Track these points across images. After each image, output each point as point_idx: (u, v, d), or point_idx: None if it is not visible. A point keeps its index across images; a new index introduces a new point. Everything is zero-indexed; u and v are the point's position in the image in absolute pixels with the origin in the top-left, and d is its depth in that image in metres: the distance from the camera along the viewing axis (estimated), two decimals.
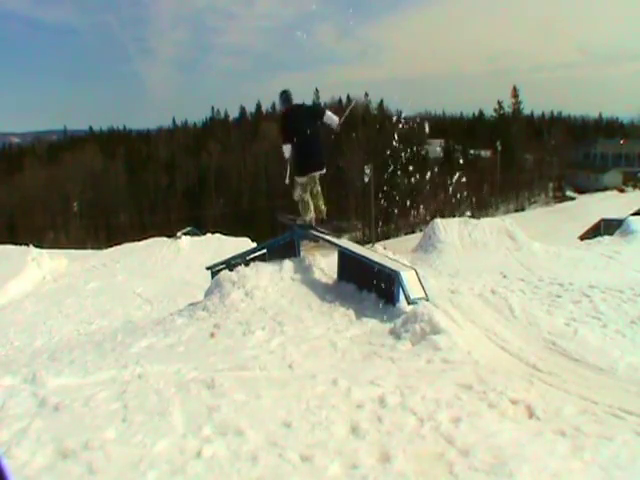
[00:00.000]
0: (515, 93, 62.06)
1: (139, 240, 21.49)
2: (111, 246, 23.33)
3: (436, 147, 61.68)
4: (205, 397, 2.78)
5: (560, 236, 22.37)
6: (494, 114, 63.70)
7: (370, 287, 4.93)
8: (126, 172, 57.00)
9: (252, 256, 6.31)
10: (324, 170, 5.74)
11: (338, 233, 6.28)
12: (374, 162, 30.46)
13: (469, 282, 6.54)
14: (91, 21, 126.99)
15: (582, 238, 18.01)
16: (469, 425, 2.41)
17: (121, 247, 20.95)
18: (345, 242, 6.03)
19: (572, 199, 50.59)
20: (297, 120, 5.58)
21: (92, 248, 31.53)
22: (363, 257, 5.19)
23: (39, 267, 15.90)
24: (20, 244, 20.20)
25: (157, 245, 19.39)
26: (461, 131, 63.52)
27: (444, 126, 65.26)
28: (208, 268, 6.81)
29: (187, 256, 17.44)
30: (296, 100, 5.81)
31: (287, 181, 5.74)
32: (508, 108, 62.37)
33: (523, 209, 52.82)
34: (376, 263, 4.97)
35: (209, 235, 21.41)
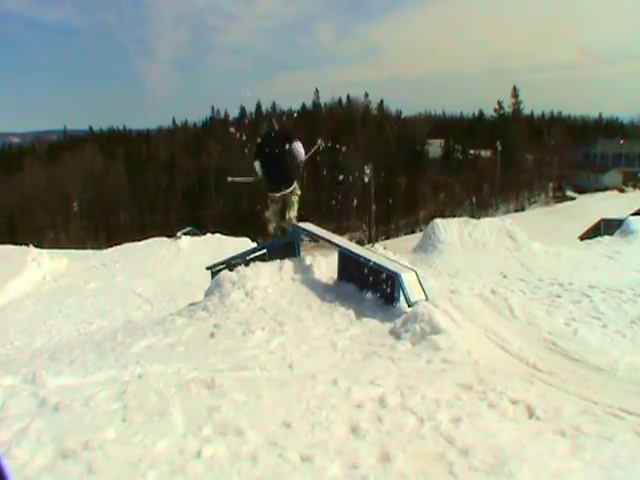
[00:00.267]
0: (515, 93, 62.16)
1: (139, 240, 21.45)
2: (111, 246, 23.29)
3: (436, 147, 61.76)
4: (205, 397, 2.78)
5: (560, 236, 22.36)
6: (494, 114, 63.75)
7: (370, 287, 4.93)
8: (126, 172, 56.96)
9: (252, 256, 6.31)
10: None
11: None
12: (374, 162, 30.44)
13: (469, 282, 6.55)
14: (91, 21, 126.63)
15: (582, 238, 18.03)
16: (469, 425, 2.41)
17: (121, 247, 20.92)
18: (345, 242, 6.04)
19: (572, 199, 50.55)
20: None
21: (92, 248, 31.52)
22: (363, 257, 5.18)
23: (39, 267, 15.89)
24: (20, 244, 20.17)
25: (157, 245, 19.38)
26: (461, 131, 63.50)
27: (444, 126, 65.31)
28: (208, 268, 6.81)
29: (187, 256, 17.41)
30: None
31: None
32: (508, 108, 62.50)
33: (523, 209, 52.81)
34: (376, 264, 4.96)
35: (209, 235, 21.38)
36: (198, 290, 8.11)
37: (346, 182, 47.42)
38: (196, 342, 4.16)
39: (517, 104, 62.21)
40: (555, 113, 69.23)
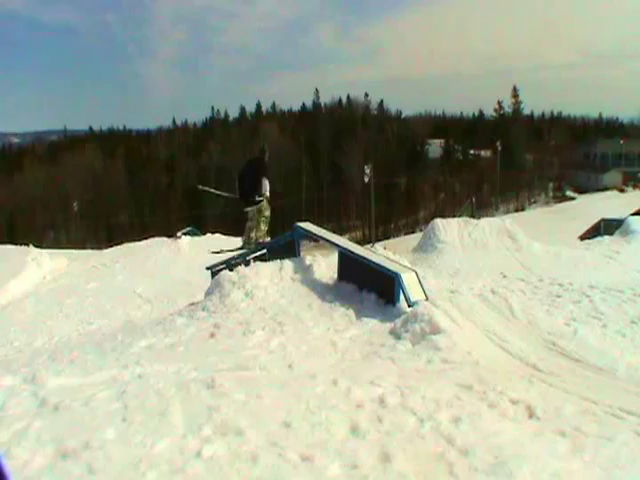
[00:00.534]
0: (515, 93, 62.10)
1: (139, 240, 21.47)
2: (111, 246, 23.31)
3: (436, 147, 61.74)
4: (205, 397, 2.78)
5: (560, 236, 22.31)
6: (494, 114, 63.73)
7: (370, 287, 4.93)
8: (126, 172, 56.95)
9: (252, 256, 6.32)
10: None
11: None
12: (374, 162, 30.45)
13: (469, 282, 6.55)
14: (91, 21, 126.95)
15: (582, 238, 18.00)
16: (469, 425, 2.41)
17: (121, 247, 20.92)
18: (345, 242, 6.04)
19: (572, 199, 50.47)
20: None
21: (92, 248, 31.48)
22: (363, 257, 5.19)
23: (39, 267, 15.89)
24: (20, 244, 20.20)
25: (157, 245, 19.37)
26: (461, 131, 63.48)
27: (444, 126, 65.28)
28: (208, 268, 6.81)
29: (187, 256, 17.41)
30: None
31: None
32: (508, 108, 62.45)
33: (523, 209, 52.75)
34: (376, 264, 4.97)
35: (209, 235, 21.39)
36: (198, 290, 8.10)
37: (346, 182, 47.46)
38: (196, 342, 4.16)
39: (517, 104, 62.19)
40: (555, 113, 69.34)
